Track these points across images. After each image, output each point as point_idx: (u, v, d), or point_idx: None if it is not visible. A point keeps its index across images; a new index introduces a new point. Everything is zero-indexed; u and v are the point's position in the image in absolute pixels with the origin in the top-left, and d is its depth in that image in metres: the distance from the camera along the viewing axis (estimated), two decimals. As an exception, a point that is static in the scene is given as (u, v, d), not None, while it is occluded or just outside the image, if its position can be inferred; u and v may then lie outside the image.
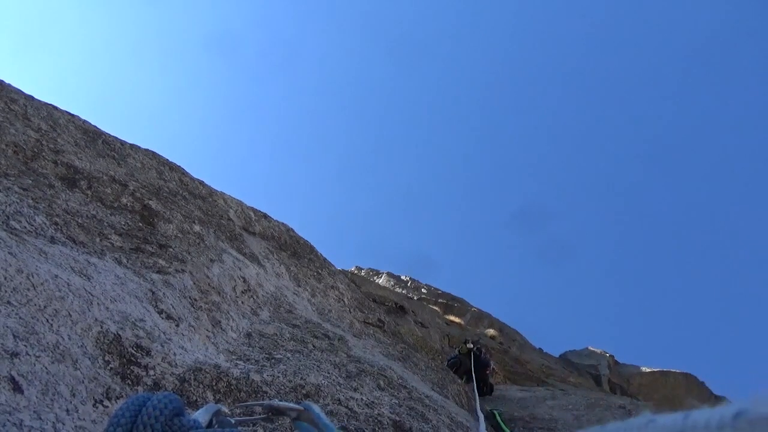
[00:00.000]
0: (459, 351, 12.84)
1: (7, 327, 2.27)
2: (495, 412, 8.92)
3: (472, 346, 12.77)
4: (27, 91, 6.61)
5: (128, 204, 5.63)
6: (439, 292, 33.44)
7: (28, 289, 2.63)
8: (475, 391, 8.40)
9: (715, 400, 29.03)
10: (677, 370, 31.78)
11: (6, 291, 2.50)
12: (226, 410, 2.06)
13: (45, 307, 2.65)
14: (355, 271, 32.78)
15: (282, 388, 3.68)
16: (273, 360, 4.24)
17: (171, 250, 5.13)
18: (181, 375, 3.18)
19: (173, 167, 8.40)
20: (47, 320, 2.58)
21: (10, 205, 3.74)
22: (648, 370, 32.24)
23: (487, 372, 11.80)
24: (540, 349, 30.92)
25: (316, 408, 1.78)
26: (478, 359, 11.98)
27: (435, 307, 28.91)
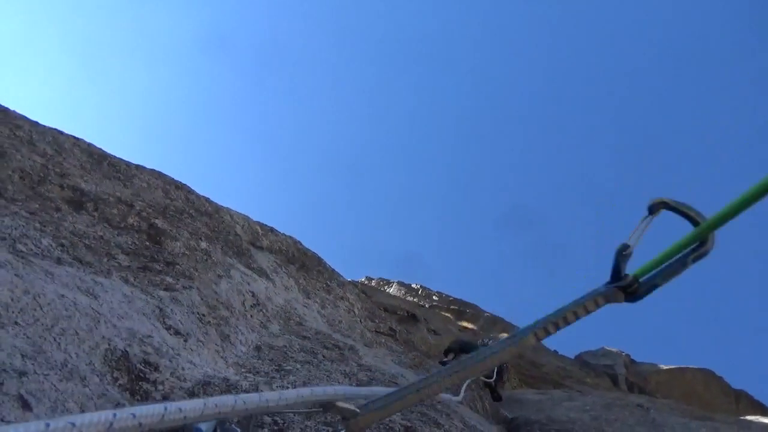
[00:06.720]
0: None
1: (15, 347, 2.30)
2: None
3: (453, 356, 12.79)
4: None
5: (135, 224, 5.68)
6: (451, 298, 33.32)
7: (35, 310, 2.67)
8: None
9: (735, 394, 28.65)
10: (695, 366, 31.38)
11: (13, 312, 2.54)
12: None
13: (52, 326, 2.69)
14: (365, 282, 32.76)
15: (292, 398, 3.68)
16: (282, 372, 4.25)
17: (178, 267, 5.17)
18: (190, 389, 3.20)
19: (179, 186, 8.47)
20: (54, 339, 2.61)
21: (16, 228, 3.80)
22: (665, 367, 31.86)
23: None
24: (555, 351, 30.66)
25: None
26: None
27: (447, 314, 28.80)
